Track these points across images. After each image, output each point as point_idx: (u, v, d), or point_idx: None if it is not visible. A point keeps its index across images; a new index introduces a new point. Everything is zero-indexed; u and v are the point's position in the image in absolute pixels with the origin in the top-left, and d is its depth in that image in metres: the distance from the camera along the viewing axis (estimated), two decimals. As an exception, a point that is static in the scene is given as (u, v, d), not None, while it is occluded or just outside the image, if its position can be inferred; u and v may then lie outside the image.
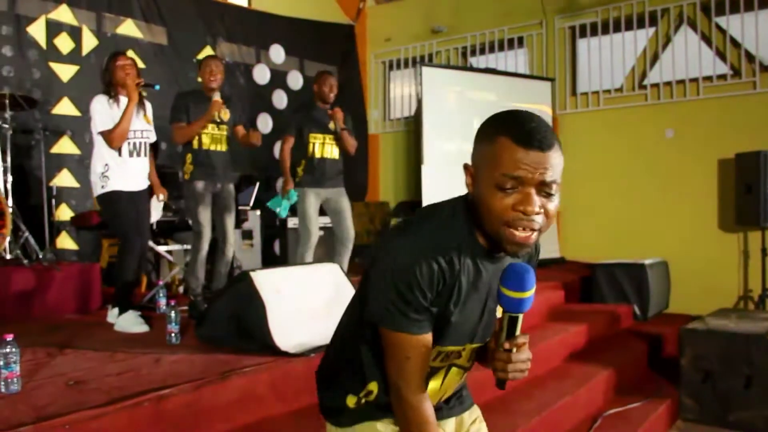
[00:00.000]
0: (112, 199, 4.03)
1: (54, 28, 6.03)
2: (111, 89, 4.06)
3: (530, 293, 1.31)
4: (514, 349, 1.34)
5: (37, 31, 5.91)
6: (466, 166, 1.36)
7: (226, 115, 4.54)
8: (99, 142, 4.06)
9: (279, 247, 6.90)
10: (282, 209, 5.01)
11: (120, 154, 4.05)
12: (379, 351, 1.40)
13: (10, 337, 2.54)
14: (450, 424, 1.60)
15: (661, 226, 6.90)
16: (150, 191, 4.39)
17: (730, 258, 6.56)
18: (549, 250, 7.01)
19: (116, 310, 4.02)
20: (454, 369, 1.49)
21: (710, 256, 6.63)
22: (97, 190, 4.08)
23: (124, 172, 4.06)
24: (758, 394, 4.15)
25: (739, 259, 6.53)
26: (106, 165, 4.03)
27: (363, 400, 1.48)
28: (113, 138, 3.95)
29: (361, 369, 1.46)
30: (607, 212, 7.19)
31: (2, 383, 2.52)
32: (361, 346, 1.45)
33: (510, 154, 1.25)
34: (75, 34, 6.19)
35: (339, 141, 5.00)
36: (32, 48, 5.88)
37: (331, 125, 4.95)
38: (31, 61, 5.87)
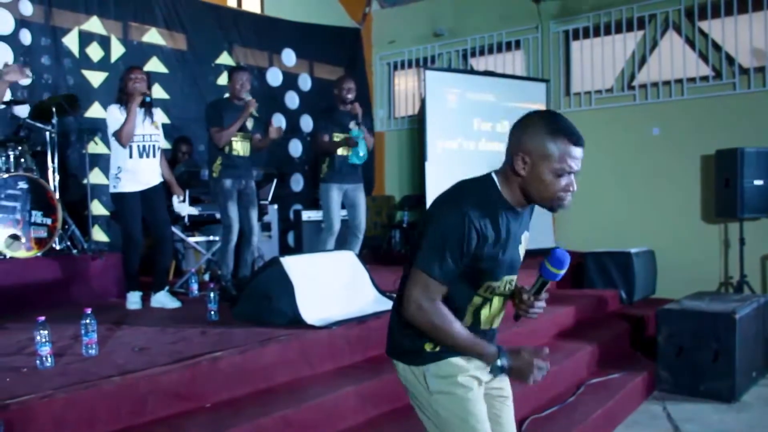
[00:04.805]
0: (120, 199, 4.68)
1: (86, 38, 6.53)
2: (123, 97, 4.63)
3: (563, 272, 1.86)
4: (535, 301, 1.95)
5: (71, 41, 6.42)
6: (517, 154, 1.83)
7: (250, 123, 5.11)
8: (114, 146, 4.67)
9: (293, 239, 7.47)
10: (360, 145, 5.44)
11: (131, 156, 4.62)
12: None
13: (89, 310, 3.09)
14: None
15: (649, 217, 7.40)
16: (166, 188, 4.98)
17: (712, 247, 7.06)
18: (544, 240, 7.50)
19: (159, 295, 4.63)
20: (496, 298, 1.98)
21: (694, 245, 7.12)
22: (111, 189, 4.73)
23: (135, 173, 4.64)
24: (724, 366, 4.68)
25: (720, 248, 7.03)
26: (119, 167, 4.64)
27: (438, 345, 1.92)
28: (121, 135, 4.52)
29: None
30: (598, 205, 7.66)
31: (84, 348, 3.07)
32: None
33: (568, 152, 1.80)
34: (104, 43, 6.69)
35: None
36: (67, 57, 6.40)
37: (352, 125, 5.46)
38: (66, 69, 6.39)
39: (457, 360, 1.92)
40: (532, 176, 1.82)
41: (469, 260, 1.82)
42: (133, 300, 4.67)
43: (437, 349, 1.92)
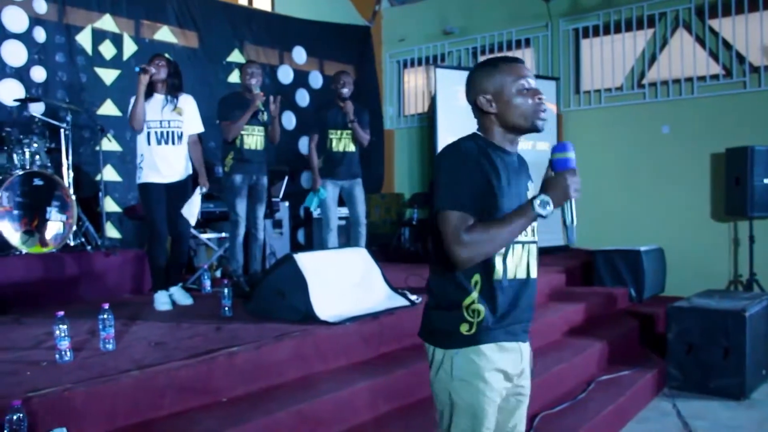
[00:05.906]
0: (144, 189, 4.57)
1: (98, 36, 6.59)
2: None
3: (572, 155, 1.84)
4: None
5: (84, 39, 6.47)
6: (477, 98, 1.94)
7: (264, 116, 5.13)
8: (137, 135, 4.57)
9: (303, 236, 7.52)
10: (313, 204, 5.54)
11: (149, 143, 4.51)
12: None
13: (106, 306, 3.13)
14: (527, 348, 2.05)
15: (658, 215, 7.41)
16: (191, 182, 4.81)
17: (722, 245, 7.06)
18: (553, 238, 7.54)
19: (172, 291, 4.66)
20: (517, 245, 1.96)
21: (703, 243, 7.13)
22: (137, 180, 4.61)
23: (155, 161, 4.51)
24: (734, 364, 4.70)
25: (730, 246, 7.03)
26: (141, 155, 4.55)
27: (474, 326, 1.91)
28: (130, 119, 4.44)
29: (459, 274, 1.91)
30: (608, 203, 7.67)
31: (101, 342, 3.12)
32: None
33: (517, 70, 1.91)
34: (117, 41, 6.74)
35: (354, 135, 5.51)
36: (80, 54, 6.45)
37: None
38: (79, 66, 6.44)
39: (489, 348, 1.92)
40: (503, 106, 1.92)
41: (481, 193, 1.86)
42: (163, 300, 4.55)
43: (472, 331, 1.92)
